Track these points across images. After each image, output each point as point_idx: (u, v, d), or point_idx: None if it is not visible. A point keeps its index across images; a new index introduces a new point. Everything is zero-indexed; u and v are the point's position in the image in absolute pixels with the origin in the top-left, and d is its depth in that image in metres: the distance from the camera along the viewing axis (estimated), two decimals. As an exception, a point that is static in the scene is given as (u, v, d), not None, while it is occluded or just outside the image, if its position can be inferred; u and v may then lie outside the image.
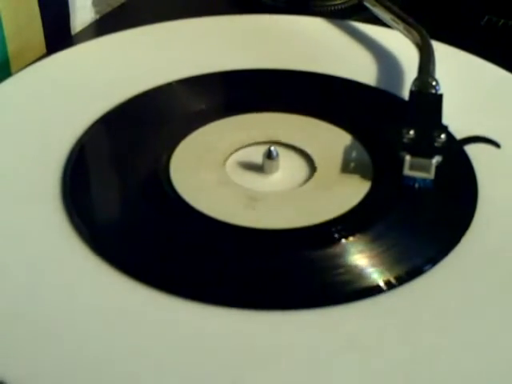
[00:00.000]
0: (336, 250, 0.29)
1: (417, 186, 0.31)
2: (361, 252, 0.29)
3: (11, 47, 0.42)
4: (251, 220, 0.30)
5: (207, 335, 0.26)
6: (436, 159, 0.31)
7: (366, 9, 0.44)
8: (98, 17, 0.48)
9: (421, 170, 0.31)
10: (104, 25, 0.47)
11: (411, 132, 0.31)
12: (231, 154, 0.34)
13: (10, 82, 0.38)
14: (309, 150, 0.34)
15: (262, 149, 0.33)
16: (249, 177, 0.33)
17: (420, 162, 0.31)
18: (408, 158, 0.31)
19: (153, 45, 0.42)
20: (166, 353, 0.25)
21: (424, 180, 0.31)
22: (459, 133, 0.34)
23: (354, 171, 0.33)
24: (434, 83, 0.34)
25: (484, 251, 0.29)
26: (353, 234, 0.30)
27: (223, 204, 0.31)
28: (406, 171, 0.31)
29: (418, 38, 0.38)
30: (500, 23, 0.46)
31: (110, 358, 0.25)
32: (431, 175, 0.31)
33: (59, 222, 0.30)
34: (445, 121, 0.33)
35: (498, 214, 0.31)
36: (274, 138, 0.35)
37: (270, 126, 0.36)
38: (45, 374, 0.25)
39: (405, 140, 0.31)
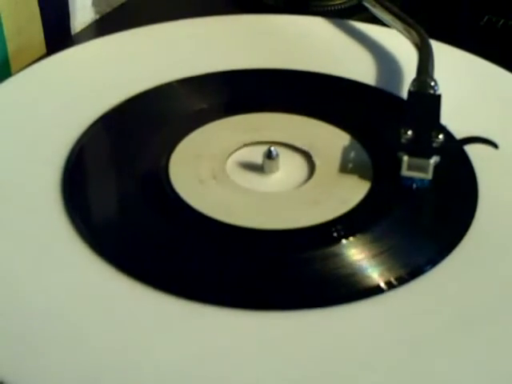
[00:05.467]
0: (336, 250, 0.29)
1: (414, 186, 0.31)
2: (361, 252, 0.29)
3: (11, 47, 0.42)
4: (251, 220, 0.30)
5: (206, 335, 0.26)
6: (434, 159, 0.31)
7: (366, 9, 0.44)
8: (98, 17, 0.48)
9: (419, 171, 0.31)
10: (104, 25, 0.47)
11: (409, 132, 0.31)
12: (231, 153, 0.34)
13: (10, 82, 0.38)
14: (309, 150, 0.34)
15: (262, 149, 0.33)
16: (249, 177, 0.33)
17: (418, 163, 0.31)
18: (406, 158, 0.31)
19: (153, 45, 0.42)
20: (166, 353, 0.25)
21: (422, 180, 0.31)
22: (458, 133, 0.34)
23: (353, 171, 0.33)
24: (432, 83, 0.34)
25: (485, 251, 0.29)
26: (353, 234, 0.30)
27: (223, 204, 0.31)
28: (404, 171, 0.31)
29: (417, 38, 0.38)
30: (500, 23, 0.46)
31: (110, 358, 0.25)
32: (429, 175, 0.31)
33: (59, 222, 0.30)
34: (444, 121, 0.33)
35: (498, 213, 0.31)
36: (274, 138, 0.35)
37: (270, 126, 0.36)
38: (44, 374, 0.25)
39: (403, 140, 0.31)
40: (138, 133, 0.35)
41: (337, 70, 0.39)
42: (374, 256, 0.29)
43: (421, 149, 0.31)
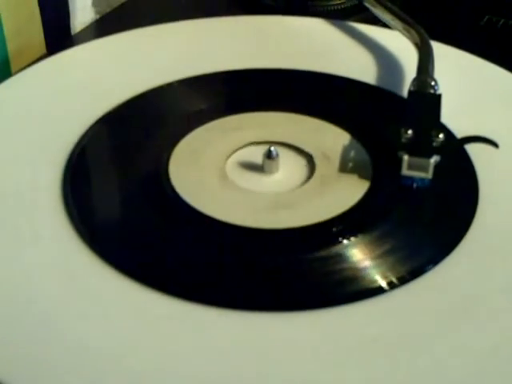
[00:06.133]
0: (337, 250, 0.29)
1: (415, 185, 0.31)
2: (362, 252, 0.29)
3: (11, 47, 0.42)
4: (251, 220, 0.30)
5: (205, 336, 0.26)
6: (434, 159, 0.31)
7: (366, 9, 0.44)
8: (98, 17, 0.48)
9: (419, 170, 0.31)
10: (104, 25, 0.47)
11: (409, 132, 0.31)
12: (231, 153, 0.34)
13: (10, 82, 0.38)
14: (309, 150, 0.34)
15: (262, 149, 0.33)
16: (249, 177, 0.33)
17: (418, 162, 0.31)
18: (406, 157, 0.31)
19: (153, 45, 0.42)
20: (166, 353, 0.25)
21: (422, 180, 0.31)
22: (459, 133, 0.34)
23: (353, 171, 0.33)
24: (432, 83, 0.34)
25: (485, 251, 0.29)
26: (354, 234, 0.30)
27: (223, 204, 0.31)
28: (404, 171, 0.31)
29: (417, 38, 0.38)
30: (500, 23, 0.46)
31: (110, 359, 0.25)
32: (429, 175, 0.31)
33: (59, 222, 0.30)
34: (444, 120, 0.33)
35: (499, 213, 0.31)
36: (274, 138, 0.35)
37: (270, 126, 0.36)
38: (45, 375, 0.25)
39: (403, 140, 0.31)
40: (138, 133, 0.35)
41: (337, 69, 0.39)
42: (375, 256, 0.29)
43: (421, 148, 0.31)
